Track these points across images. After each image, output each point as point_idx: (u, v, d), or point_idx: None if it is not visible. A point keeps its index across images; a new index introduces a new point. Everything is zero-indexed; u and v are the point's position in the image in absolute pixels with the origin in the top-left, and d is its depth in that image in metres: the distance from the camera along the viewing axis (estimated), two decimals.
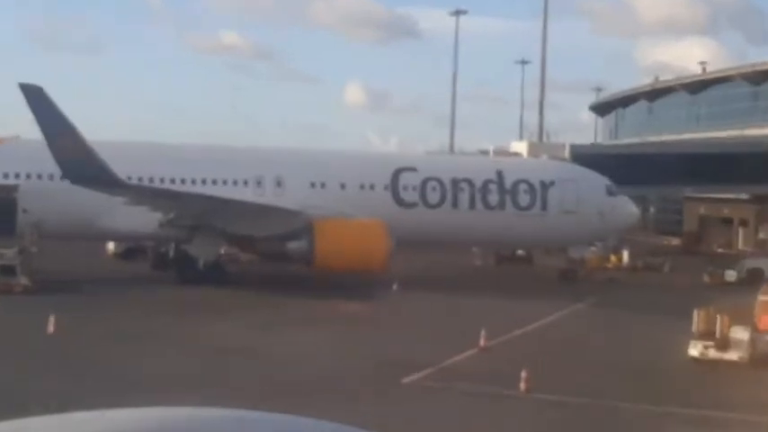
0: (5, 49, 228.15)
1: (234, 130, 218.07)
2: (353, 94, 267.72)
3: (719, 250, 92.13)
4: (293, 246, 52.08)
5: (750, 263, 65.94)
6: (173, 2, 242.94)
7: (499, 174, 59.87)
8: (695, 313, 36.45)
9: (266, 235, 52.20)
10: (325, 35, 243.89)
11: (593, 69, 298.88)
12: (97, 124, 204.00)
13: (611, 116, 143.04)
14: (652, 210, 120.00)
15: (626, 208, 63.22)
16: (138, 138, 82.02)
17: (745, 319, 36.39)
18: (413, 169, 58.64)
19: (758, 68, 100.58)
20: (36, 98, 46.30)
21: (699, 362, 35.33)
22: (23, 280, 48.01)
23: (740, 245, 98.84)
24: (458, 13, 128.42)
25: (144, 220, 51.77)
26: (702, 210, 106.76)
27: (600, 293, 55.20)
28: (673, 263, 74.79)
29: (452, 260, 68.66)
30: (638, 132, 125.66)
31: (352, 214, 54.45)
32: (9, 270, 48.53)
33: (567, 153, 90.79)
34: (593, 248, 74.22)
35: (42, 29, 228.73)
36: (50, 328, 35.95)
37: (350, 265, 52.29)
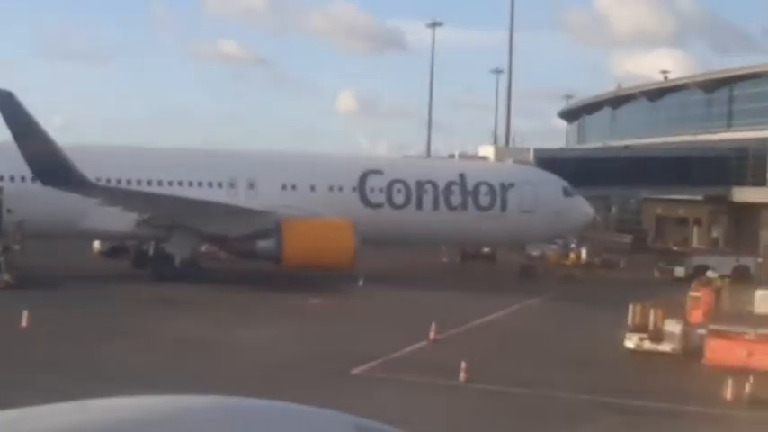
0: (7, 55, 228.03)
1: (231, 135, 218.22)
2: (345, 100, 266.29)
3: (675, 248, 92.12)
4: (263, 245, 51.89)
5: (697, 260, 65.94)
6: (174, 11, 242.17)
7: (462, 176, 59.76)
8: (630, 307, 36.34)
9: (237, 234, 52.01)
10: (320, 45, 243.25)
11: (569, 78, 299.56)
12: (98, 129, 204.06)
13: (579, 122, 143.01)
14: (614, 210, 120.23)
15: (581, 208, 63.12)
16: (136, 143, 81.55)
17: (680, 313, 36.38)
18: (379, 172, 58.46)
19: (711, 77, 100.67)
20: (6, 102, 45.96)
21: (635, 353, 35.25)
22: (6, 276, 47.79)
23: (695, 243, 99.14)
24: (434, 24, 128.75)
25: (123, 220, 51.55)
26: (659, 210, 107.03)
27: (556, 289, 55.01)
28: (629, 260, 74.84)
29: (421, 258, 68.55)
30: (602, 137, 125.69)
31: (322, 214, 54.38)
32: None
33: (531, 157, 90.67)
34: (553, 246, 74.50)
35: (44, 36, 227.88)
36: (24, 323, 35.66)
37: (317, 262, 52.20)
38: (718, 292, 38.56)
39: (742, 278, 59.02)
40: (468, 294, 50.59)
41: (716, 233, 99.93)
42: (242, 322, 40.18)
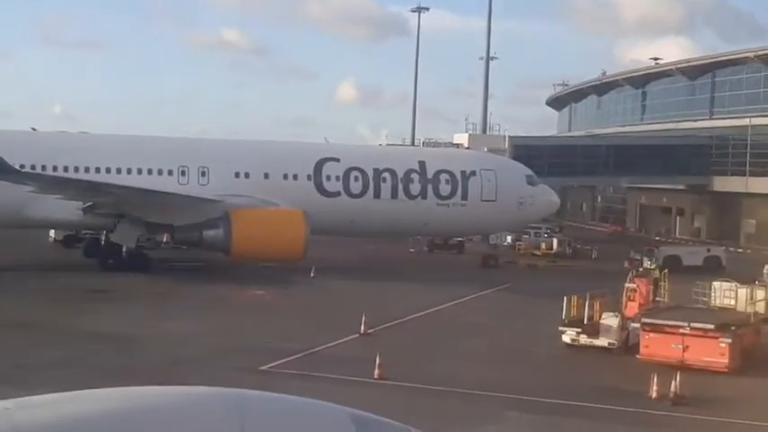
0: (10, 43, 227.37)
1: (230, 124, 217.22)
2: (346, 89, 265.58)
3: (657, 238, 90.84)
4: (210, 234, 50.40)
5: (666, 250, 64.55)
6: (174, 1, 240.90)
7: (421, 164, 58.20)
8: (565, 300, 34.90)
9: (183, 224, 50.57)
10: (321, 32, 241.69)
11: (573, 67, 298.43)
12: (96, 118, 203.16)
13: (566, 110, 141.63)
14: (599, 199, 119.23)
15: (546, 197, 61.68)
16: (134, 131, 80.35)
17: (619, 305, 34.96)
18: (336, 159, 56.90)
19: (694, 63, 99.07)
20: None
21: (572, 348, 33.83)
22: None
23: (677, 233, 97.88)
24: (419, 9, 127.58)
25: (67, 208, 50.10)
26: (643, 199, 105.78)
27: (514, 280, 53.56)
28: (604, 250, 73.49)
29: (387, 248, 67.28)
30: (588, 125, 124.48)
31: (276, 203, 53.01)
32: None
33: (506, 144, 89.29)
34: (524, 236, 73.23)
35: (44, 25, 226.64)
36: None
37: (267, 253, 50.90)
38: (655, 283, 37.03)
39: (713, 269, 57.84)
40: (421, 286, 49.41)
41: (698, 223, 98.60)
42: (169, 315, 38.83)
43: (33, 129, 76.33)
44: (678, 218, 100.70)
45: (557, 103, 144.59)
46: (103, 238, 55.74)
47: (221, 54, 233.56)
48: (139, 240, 53.02)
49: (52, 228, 59.80)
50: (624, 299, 34.82)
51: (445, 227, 59.92)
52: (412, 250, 69.21)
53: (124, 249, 51.54)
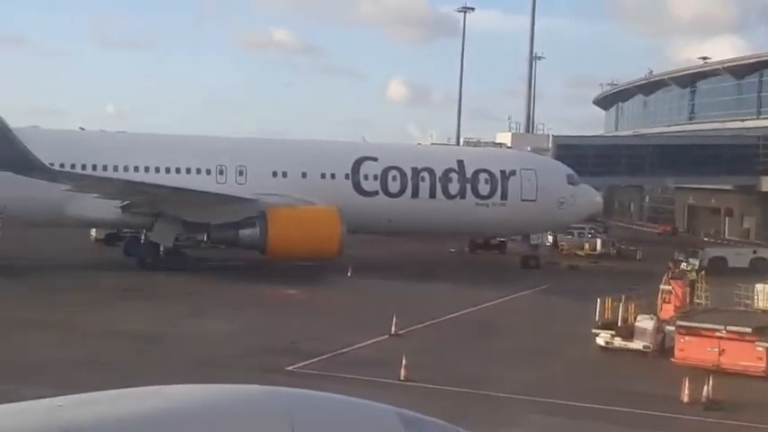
0: (63, 44, 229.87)
1: (281, 123, 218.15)
2: (396, 89, 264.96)
3: (705, 239, 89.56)
4: (246, 233, 50.30)
5: (712, 252, 63.41)
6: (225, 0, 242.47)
7: (460, 163, 57.67)
8: (598, 302, 34.28)
9: (220, 223, 50.48)
10: (372, 32, 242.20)
11: (623, 66, 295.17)
12: (148, 118, 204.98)
13: (613, 110, 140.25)
14: (647, 199, 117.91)
15: (588, 197, 60.81)
16: (185, 131, 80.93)
17: (654, 308, 34.28)
18: (374, 159, 56.54)
19: (741, 62, 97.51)
20: None
21: (606, 351, 33.22)
22: None
23: (726, 234, 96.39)
24: (465, 9, 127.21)
25: (106, 207, 50.24)
26: (691, 199, 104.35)
27: (553, 281, 52.89)
28: (649, 250, 72.40)
29: (427, 248, 66.84)
30: (635, 125, 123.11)
31: (313, 203, 52.78)
32: None
33: (550, 144, 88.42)
34: (568, 236, 72.49)
35: (98, 25, 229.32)
36: None
37: (303, 251, 50.69)
38: (692, 285, 36.23)
39: (759, 271, 56.69)
40: (458, 286, 48.89)
41: (747, 224, 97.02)
42: (201, 314, 38.80)
43: (81, 128, 77.10)
44: (727, 219, 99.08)
45: (604, 102, 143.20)
46: (143, 237, 55.90)
47: (272, 54, 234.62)
48: (179, 239, 53.09)
49: (92, 226, 59.98)
50: (659, 301, 34.10)
51: (484, 227, 59.30)
52: (452, 250, 68.67)
53: (162, 248, 51.58)
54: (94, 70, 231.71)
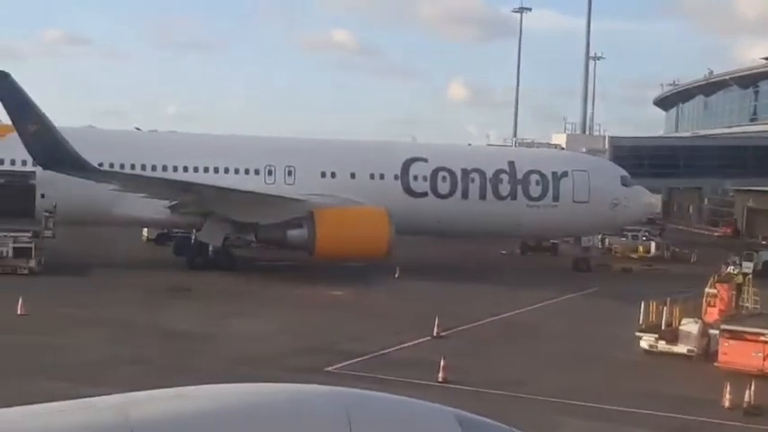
0: (124, 45, 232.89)
1: (338, 124, 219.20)
2: (455, 89, 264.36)
3: (765, 242, 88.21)
4: (293, 233, 50.46)
5: (766, 255, 62.48)
6: (284, 1, 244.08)
7: (511, 164, 57.45)
8: (642, 305, 34.02)
9: (268, 223, 50.76)
10: (430, 33, 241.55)
11: (685, 67, 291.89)
12: (208, 118, 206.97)
13: (674, 111, 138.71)
14: (705, 201, 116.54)
15: (642, 199, 60.25)
16: (243, 131, 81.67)
17: (699, 311, 33.92)
18: (423, 159, 56.52)
19: None
20: (3, 84, 45.35)
21: (649, 355, 32.97)
22: (32, 263, 47.46)
23: None
24: (522, 9, 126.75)
25: (155, 207, 50.83)
26: (751, 202, 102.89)
27: (603, 283, 52.59)
28: (706, 253, 71.53)
29: (478, 250, 66.65)
30: (695, 126, 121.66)
31: (361, 203, 52.86)
32: (24, 252, 48.15)
33: (605, 145, 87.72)
34: (621, 239, 71.98)
35: (158, 27, 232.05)
36: (19, 310, 35.20)
37: (351, 252, 50.82)
38: (739, 288, 35.77)
39: None
40: (505, 288, 48.79)
41: None
42: (246, 313, 39.10)
43: (137, 128, 78.19)
44: None
45: (664, 103, 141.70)
46: (193, 236, 56.44)
47: (330, 54, 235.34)
48: (229, 239, 53.50)
49: (141, 226, 60.62)
50: (704, 304, 33.73)
51: (536, 229, 59.01)
52: (504, 252, 68.47)
53: (211, 248, 52.03)
54: (155, 71, 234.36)
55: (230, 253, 53.02)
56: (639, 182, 64.71)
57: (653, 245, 71.71)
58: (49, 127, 46.43)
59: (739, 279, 37.08)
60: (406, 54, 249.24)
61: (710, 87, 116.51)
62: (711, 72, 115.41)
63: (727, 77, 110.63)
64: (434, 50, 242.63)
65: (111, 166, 51.24)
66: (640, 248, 71.09)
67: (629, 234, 72.44)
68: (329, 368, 29.08)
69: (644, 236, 73.86)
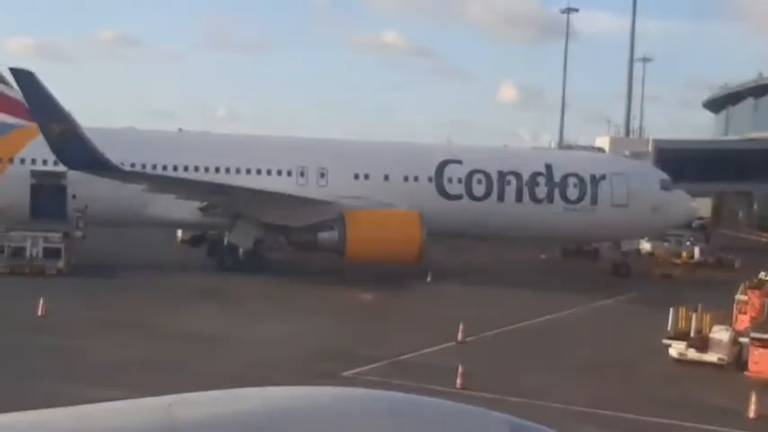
0: (176, 47, 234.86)
1: (389, 126, 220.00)
2: (507, 91, 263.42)
3: None
4: (324, 236, 50.18)
5: None
6: (336, 2, 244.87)
7: (548, 167, 56.79)
8: (671, 312, 33.35)
9: (299, 225, 50.56)
10: (483, 34, 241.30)
11: (739, 69, 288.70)
12: (259, 120, 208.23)
13: (723, 113, 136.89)
14: (755, 206, 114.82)
15: (682, 203, 59.21)
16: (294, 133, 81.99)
17: (730, 319, 33.15)
18: (458, 161, 56.02)
19: None
20: (27, 83, 45.44)
21: (680, 363, 32.27)
22: (60, 263, 47.68)
23: None
24: (569, 10, 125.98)
25: (186, 208, 50.88)
26: None
27: (641, 289, 51.68)
28: (753, 260, 70.21)
29: (518, 254, 65.99)
30: (744, 129, 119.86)
31: (395, 205, 52.45)
32: (54, 253, 48.42)
33: (649, 147, 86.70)
34: (665, 244, 70.97)
35: (209, 28, 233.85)
36: (40, 312, 35.29)
37: (382, 255, 50.26)
38: None
39: None
40: (539, 293, 48.21)
41: None
42: (268, 316, 38.87)
43: (180, 129, 78.53)
44: None
45: (714, 105, 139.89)
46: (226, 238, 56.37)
47: (381, 55, 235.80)
48: (264, 241, 53.38)
49: (172, 227, 60.42)
50: (735, 311, 32.91)
51: (573, 232, 58.19)
52: (543, 256, 67.76)
53: (241, 250, 51.93)
54: (205, 73, 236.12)
55: (261, 255, 52.84)
56: (683, 186, 63.74)
57: (696, 250, 70.48)
58: (74, 126, 46.54)
59: None
60: (458, 55, 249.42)
61: (761, 89, 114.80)
62: (761, 74, 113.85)
63: None
64: (487, 51, 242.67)
65: (143, 167, 51.41)
66: (684, 254, 69.96)
67: (673, 239, 71.39)
68: (346, 373, 28.72)
69: (688, 241, 72.73)
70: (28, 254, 48.13)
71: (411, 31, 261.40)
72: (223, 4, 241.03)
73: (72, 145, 45.69)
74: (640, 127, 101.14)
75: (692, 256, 69.53)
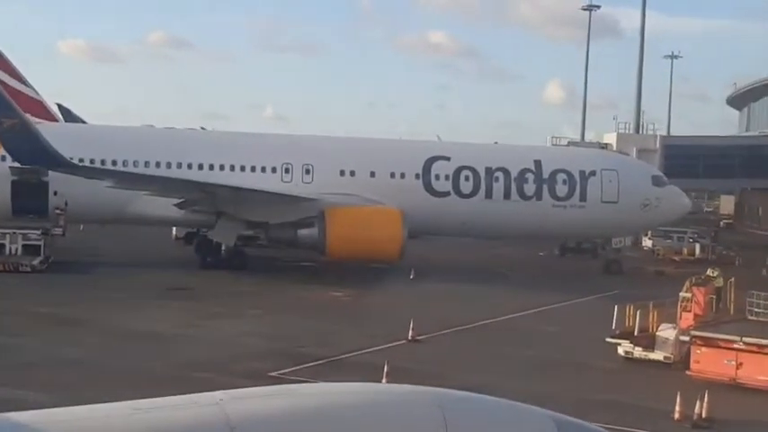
0: (225, 47, 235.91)
1: (435, 126, 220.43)
2: (553, 91, 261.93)
3: None
4: (304, 233, 49.53)
5: None
6: (383, 2, 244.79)
7: (537, 163, 55.70)
8: (615, 310, 32.41)
9: (279, 222, 49.95)
10: (530, 34, 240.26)
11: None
12: (306, 120, 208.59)
13: (746, 110, 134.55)
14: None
15: (675, 199, 57.75)
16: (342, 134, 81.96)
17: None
18: (446, 158, 55.05)
19: None
20: None
21: (628, 361, 31.36)
22: (34, 261, 47.42)
23: None
24: (591, 7, 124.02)
25: (167, 205, 50.41)
26: None
27: (628, 286, 50.15)
28: (756, 256, 68.80)
29: (514, 250, 65.11)
30: (764, 125, 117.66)
31: (381, 203, 51.70)
32: (33, 250, 48.29)
33: (657, 144, 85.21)
34: (667, 241, 69.84)
35: (259, 29, 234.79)
36: None
37: (362, 253, 49.60)
38: (718, 292, 33.72)
39: None
40: (519, 290, 47.62)
41: None
42: (230, 314, 38.45)
43: (202, 128, 78.60)
44: None
45: (736, 102, 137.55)
46: None
47: (429, 56, 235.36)
48: (258, 238, 53.34)
49: (153, 224, 58.64)
50: (679, 309, 31.71)
51: (562, 229, 56.95)
52: (542, 254, 66.75)
53: (223, 247, 51.42)
54: (254, 73, 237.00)
55: (243, 252, 52.33)
56: (693, 182, 62.57)
57: (698, 247, 69.25)
58: (25, 121, 46.15)
59: (720, 282, 35.04)
60: (505, 55, 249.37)
61: None
62: None
63: None
64: (533, 51, 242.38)
65: (135, 164, 51.35)
66: (685, 251, 68.74)
67: (675, 236, 70.20)
68: (274, 373, 28.01)
69: (690, 238, 71.45)
70: (7, 251, 47.99)
71: (457, 32, 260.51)
72: (271, 6, 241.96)
73: (21, 138, 45.27)
74: (638, 123, 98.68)
75: (692, 253, 68.30)
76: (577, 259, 65.09)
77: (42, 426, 5.99)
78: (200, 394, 6.54)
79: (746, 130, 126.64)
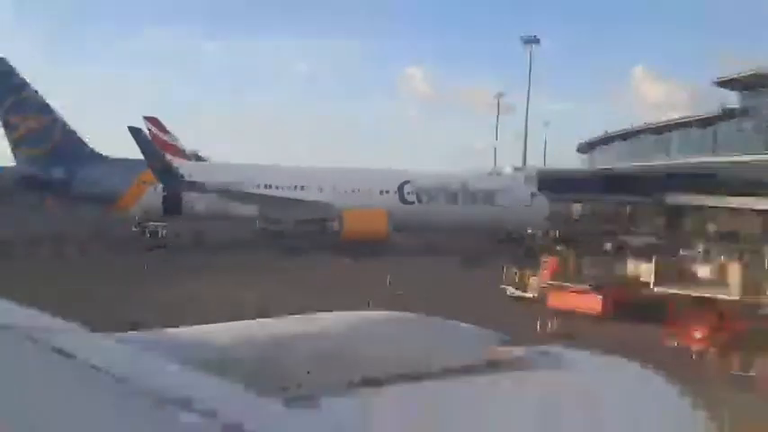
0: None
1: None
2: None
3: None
4: (331, 224, 50.80)
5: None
6: None
7: (464, 184, 56.31)
8: (504, 269, 32.92)
9: (318, 218, 51.08)
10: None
11: None
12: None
13: (590, 153, 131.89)
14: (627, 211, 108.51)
15: (541, 204, 57.55)
16: None
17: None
18: (410, 182, 55.73)
19: None
20: (137, 136, 45.30)
21: (514, 299, 31.75)
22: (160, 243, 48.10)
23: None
24: (499, 95, 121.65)
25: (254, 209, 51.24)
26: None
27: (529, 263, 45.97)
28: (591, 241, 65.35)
29: (471, 240, 56.70)
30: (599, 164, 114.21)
31: (373, 207, 52.17)
32: (155, 234, 49.71)
33: (535, 173, 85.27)
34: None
35: None
36: None
37: (364, 236, 50.12)
38: (564, 260, 33.84)
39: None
40: (456, 262, 44.30)
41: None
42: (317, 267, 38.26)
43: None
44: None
45: (583, 148, 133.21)
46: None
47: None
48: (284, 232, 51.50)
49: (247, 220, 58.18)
50: (541, 269, 32.21)
51: (477, 223, 54.92)
52: (484, 243, 59.65)
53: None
54: None
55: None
56: (555, 196, 61.90)
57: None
58: (167, 162, 47.08)
59: (566, 254, 35.45)
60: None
61: (622, 135, 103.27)
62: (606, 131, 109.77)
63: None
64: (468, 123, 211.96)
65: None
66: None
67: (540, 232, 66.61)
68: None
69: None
70: (160, 234, 48.91)
71: None
72: None
73: (168, 174, 45.86)
74: (525, 157, 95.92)
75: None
76: (509, 246, 56.64)
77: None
78: (222, 323, 4.16)
79: (590, 167, 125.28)
